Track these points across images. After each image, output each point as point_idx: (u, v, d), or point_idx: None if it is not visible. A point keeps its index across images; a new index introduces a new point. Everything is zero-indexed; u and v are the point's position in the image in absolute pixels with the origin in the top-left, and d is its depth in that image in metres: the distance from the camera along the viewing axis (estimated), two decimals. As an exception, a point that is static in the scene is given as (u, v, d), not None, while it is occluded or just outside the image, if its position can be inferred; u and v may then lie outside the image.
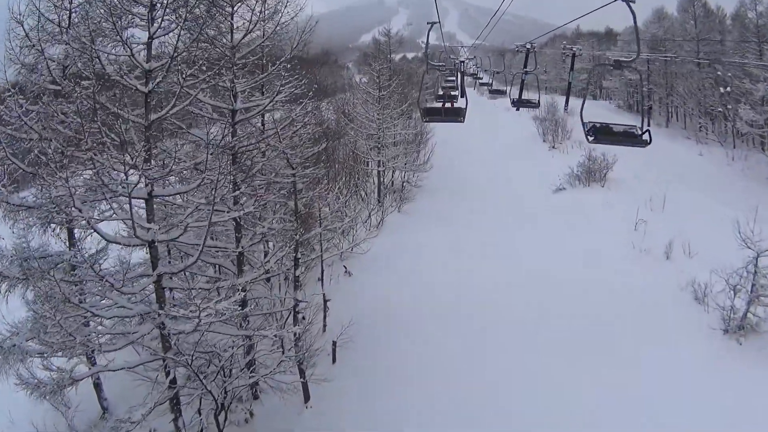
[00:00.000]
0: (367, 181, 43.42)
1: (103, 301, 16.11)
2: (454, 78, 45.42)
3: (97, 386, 19.45)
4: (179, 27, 13.32)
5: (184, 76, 13.46)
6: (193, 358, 14.93)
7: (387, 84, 41.78)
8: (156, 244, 14.31)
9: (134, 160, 12.49)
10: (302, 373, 18.71)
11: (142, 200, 14.30)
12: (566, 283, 25.13)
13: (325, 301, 23.51)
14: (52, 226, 15.77)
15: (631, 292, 23.97)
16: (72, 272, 15.90)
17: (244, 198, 17.55)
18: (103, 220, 14.28)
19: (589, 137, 14.30)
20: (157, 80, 13.64)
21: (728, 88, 51.86)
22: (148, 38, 13.93)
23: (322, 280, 25.17)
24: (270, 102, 16.87)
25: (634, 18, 10.59)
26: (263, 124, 20.75)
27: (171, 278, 16.65)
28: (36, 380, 14.85)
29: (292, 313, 19.12)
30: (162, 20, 13.72)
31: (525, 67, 28.96)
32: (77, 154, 13.11)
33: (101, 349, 15.08)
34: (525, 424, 17.23)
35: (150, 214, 14.33)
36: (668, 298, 23.39)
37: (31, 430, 15.70)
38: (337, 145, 44.11)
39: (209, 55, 16.11)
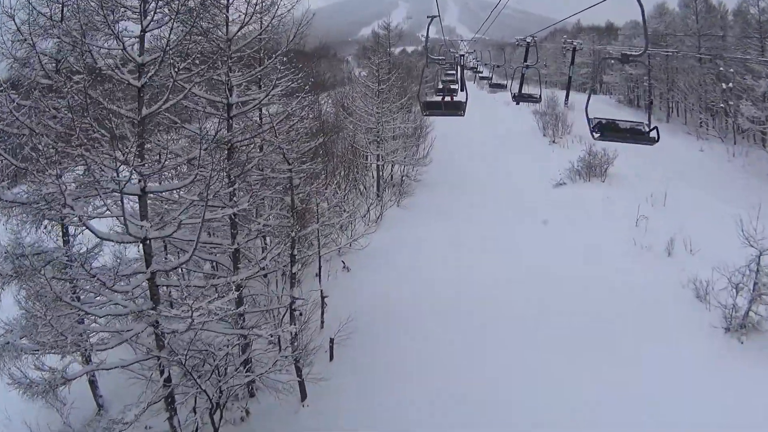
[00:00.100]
0: (366, 175, 43.18)
1: (99, 298, 15.99)
2: (454, 72, 45.24)
3: (93, 383, 19.34)
4: (172, 20, 13.00)
5: (177, 69, 13.13)
6: (187, 357, 14.72)
7: (386, 77, 41.52)
8: (149, 241, 14.05)
9: (125, 156, 12.20)
10: (299, 371, 18.51)
11: (136, 197, 14.06)
12: (566, 279, 24.94)
13: (323, 298, 23.28)
14: (44, 222, 15.51)
15: (632, 289, 23.74)
16: (64, 270, 15.67)
17: (241, 193, 17.33)
18: (94, 217, 14.01)
19: (594, 134, 13.89)
20: (149, 74, 13.33)
21: (730, 84, 51.59)
22: (141, 31, 13.63)
23: (319, 276, 24.94)
24: (266, 96, 16.58)
25: (642, 10, 10.21)
26: (261, 119, 20.49)
27: (168, 275, 16.47)
28: (28, 380, 14.73)
29: (289, 310, 18.89)
30: (155, 13, 13.41)
31: (525, 61, 28.71)
32: (68, 150, 12.80)
33: (93, 349, 14.84)
34: (525, 422, 17.10)
35: (143, 210, 14.08)
36: (669, 295, 23.16)
37: (26, 428, 15.59)
38: (335, 139, 43.87)
39: (204, 49, 15.81)
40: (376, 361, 20.69)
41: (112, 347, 14.98)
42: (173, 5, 13.49)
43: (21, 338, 15.44)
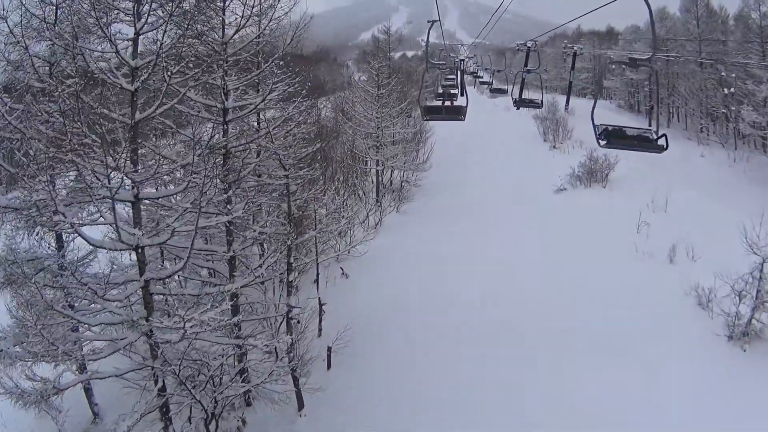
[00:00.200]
0: (365, 181, 42.95)
1: (93, 305, 15.73)
2: (454, 76, 45.00)
3: (88, 391, 19.15)
4: (165, 22, 12.74)
5: (170, 73, 12.86)
6: (181, 367, 14.44)
7: (386, 82, 41.31)
8: (142, 248, 13.77)
9: (117, 161, 11.92)
10: (296, 381, 18.23)
11: (129, 203, 13.79)
12: (567, 286, 24.78)
13: (321, 305, 23.01)
14: (37, 229, 15.24)
15: (634, 297, 23.49)
16: (56, 278, 15.40)
17: (237, 200, 17.08)
18: (85, 225, 13.71)
19: (600, 141, 13.36)
20: (141, 78, 13.07)
21: (731, 89, 51.37)
22: (135, 34, 13.36)
23: (317, 283, 24.68)
24: (262, 101, 16.31)
25: (650, 13, 9.87)
26: (259, 123, 20.24)
27: (165, 283, 16.21)
28: (20, 389, 14.43)
29: (286, 319, 18.61)
30: (148, 15, 13.15)
31: (526, 65, 28.45)
32: (59, 155, 12.53)
33: (84, 359, 14.57)
34: (529, 429, 17.03)
35: (137, 217, 13.81)
36: (672, 303, 22.92)
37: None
38: (335, 144, 43.66)
39: (199, 52, 15.54)
40: (374, 370, 20.47)
41: (105, 356, 14.74)
42: (167, 8, 13.21)
43: (14, 346, 15.19)
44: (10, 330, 15.71)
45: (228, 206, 15.94)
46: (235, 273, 17.07)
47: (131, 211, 14.27)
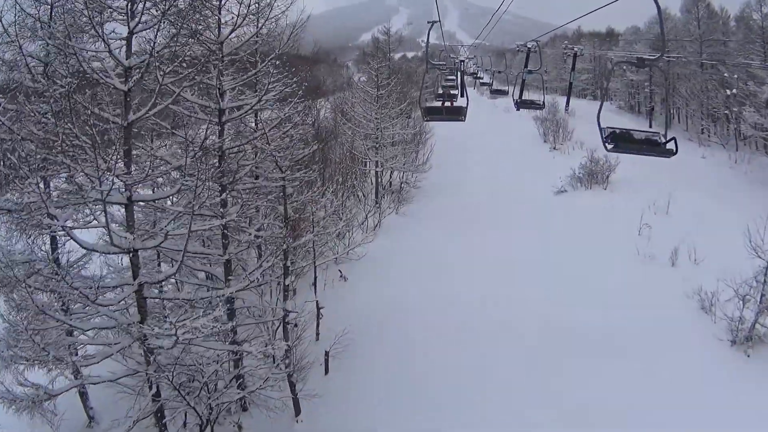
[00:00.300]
0: (364, 182, 42.68)
1: (87, 308, 15.50)
2: (454, 77, 44.81)
3: (83, 395, 18.93)
4: (159, 21, 12.47)
5: (164, 72, 12.58)
6: (174, 373, 14.18)
7: (386, 83, 41.03)
8: (136, 251, 13.51)
9: (108, 163, 11.64)
10: (293, 386, 17.97)
11: (122, 206, 13.53)
12: (567, 290, 24.52)
13: (318, 309, 22.77)
14: (29, 231, 14.99)
15: (635, 299, 23.25)
16: (46, 282, 15.14)
17: (231, 200, 16.83)
18: (76, 228, 13.46)
19: (607, 145, 12.85)
20: (134, 78, 12.80)
21: (734, 91, 51.13)
22: (128, 33, 13.09)
23: (315, 287, 24.43)
24: (258, 101, 16.03)
25: (659, 11, 9.51)
26: (257, 124, 19.98)
27: (161, 287, 15.98)
28: (11, 395, 14.27)
29: (282, 323, 18.35)
30: (142, 14, 12.86)
31: (526, 66, 28.22)
32: (50, 156, 12.28)
33: (77, 364, 14.32)
34: (529, 429, 17.10)
35: (130, 220, 13.54)
36: (674, 306, 22.67)
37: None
38: (333, 145, 43.39)
39: (194, 52, 15.28)
40: (372, 372, 20.36)
41: (98, 362, 14.53)
42: (161, 6, 12.92)
43: (9, 349, 15.01)
44: (2, 334, 15.54)
45: (223, 209, 15.67)
46: (230, 277, 16.81)
47: (128, 213, 14.03)
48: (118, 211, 15.66)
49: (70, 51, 12.34)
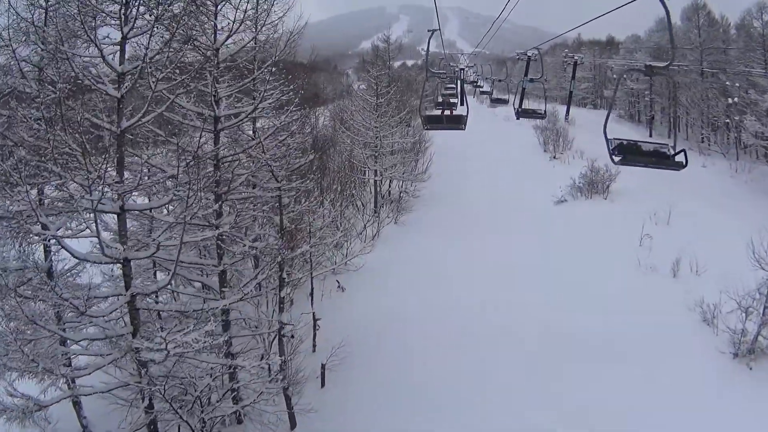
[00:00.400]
0: (363, 191, 42.43)
1: (81, 318, 15.23)
2: (454, 86, 44.66)
3: (77, 404, 18.50)
4: (152, 26, 12.22)
5: (156, 79, 12.33)
6: (166, 387, 13.89)
7: (385, 91, 40.82)
8: (128, 261, 13.24)
9: (98, 171, 11.36)
10: (288, 400, 17.65)
11: (115, 215, 13.27)
12: (568, 300, 24.23)
13: (315, 320, 22.49)
14: (20, 239, 14.72)
15: (637, 312, 22.89)
16: (35, 292, 14.87)
17: (229, 209, 16.58)
18: (68, 237, 13.20)
19: (614, 157, 12.40)
20: (126, 84, 12.54)
21: (735, 99, 51.02)
22: (122, 38, 12.83)
23: (312, 298, 24.15)
24: (254, 109, 15.78)
25: (668, 15, 9.20)
26: (254, 132, 19.75)
27: (156, 297, 15.72)
28: (1, 406, 14.00)
29: (278, 336, 18.05)
30: (135, 19, 12.61)
31: (526, 74, 28.03)
32: (41, 164, 12.02)
33: (67, 375, 14.04)
34: None
35: (122, 229, 13.27)
36: (675, 319, 22.36)
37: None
38: (332, 154, 43.16)
39: (190, 58, 15.05)
40: (369, 385, 20.04)
41: (89, 373, 14.25)
42: (156, 11, 12.67)
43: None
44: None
45: (218, 219, 15.40)
46: (225, 288, 16.51)
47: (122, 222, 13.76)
48: (113, 220, 15.39)
49: (62, 56, 12.07)
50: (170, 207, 16.84)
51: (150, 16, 12.81)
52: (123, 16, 12.60)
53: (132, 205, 13.78)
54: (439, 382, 19.59)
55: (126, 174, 13.57)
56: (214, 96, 15.49)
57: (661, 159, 12.38)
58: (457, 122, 20.29)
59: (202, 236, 14.58)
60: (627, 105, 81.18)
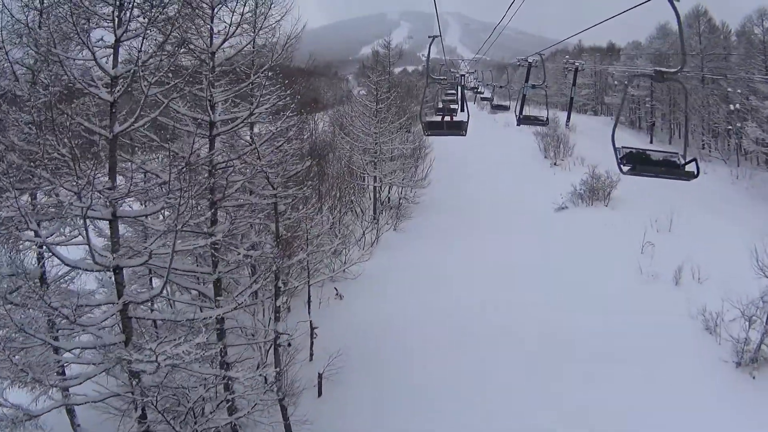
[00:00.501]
0: (362, 197, 42.17)
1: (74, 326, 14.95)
2: (455, 91, 44.50)
3: (71, 412, 18.24)
4: (145, 28, 11.98)
5: (150, 82, 12.06)
6: (158, 398, 13.59)
7: (385, 96, 40.60)
8: (120, 269, 12.96)
9: (88, 177, 11.08)
10: (284, 411, 17.35)
11: (107, 221, 13.00)
12: (569, 308, 23.94)
13: (312, 329, 22.21)
14: (10, 246, 14.46)
15: (639, 320, 22.59)
16: (24, 299, 14.59)
17: (225, 215, 16.31)
18: (58, 244, 12.93)
19: (623, 167, 11.98)
20: (118, 88, 12.27)
21: (736, 105, 50.89)
22: (115, 41, 12.57)
23: (309, 306, 23.89)
24: (250, 114, 15.52)
25: (678, 18, 8.89)
26: (252, 138, 19.51)
27: (151, 304, 15.44)
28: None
29: (273, 346, 17.76)
30: (129, 22, 12.36)
31: (527, 81, 27.83)
32: (32, 169, 11.77)
33: (57, 385, 13.75)
34: None
35: (114, 236, 12.99)
36: (678, 327, 22.06)
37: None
38: (331, 159, 42.92)
39: (186, 62, 14.80)
40: (368, 393, 19.91)
41: (80, 383, 13.96)
42: (150, 14, 12.42)
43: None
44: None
45: (213, 226, 15.12)
46: (220, 297, 16.21)
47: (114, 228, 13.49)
48: (107, 226, 15.13)
49: (54, 59, 11.83)
50: (165, 214, 16.60)
51: (144, 18, 12.57)
52: (116, 19, 12.32)
53: (124, 211, 13.50)
54: (439, 382, 19.59)
55: (119, 179, 13.31)
56: (210, 100, 15.24)
57: (671, 168, 12.01)
58: (458, 128, 20.39)
59: (195, 245, 14.27)
60: (627, 111, 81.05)
